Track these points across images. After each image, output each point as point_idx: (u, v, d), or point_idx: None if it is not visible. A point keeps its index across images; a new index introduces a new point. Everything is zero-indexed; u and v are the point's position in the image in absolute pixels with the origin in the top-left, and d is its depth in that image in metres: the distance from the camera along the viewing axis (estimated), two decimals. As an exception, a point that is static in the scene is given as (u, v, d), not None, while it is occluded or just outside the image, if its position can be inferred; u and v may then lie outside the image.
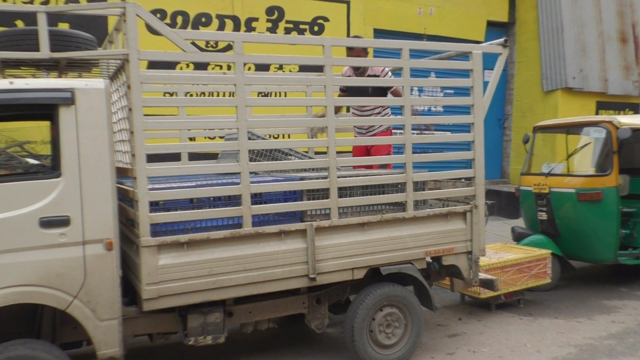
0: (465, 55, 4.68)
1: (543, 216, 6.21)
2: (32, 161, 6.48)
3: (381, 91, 5.21)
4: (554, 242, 6.13)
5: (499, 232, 8.49)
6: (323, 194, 3.86)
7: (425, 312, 4.44)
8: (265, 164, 3.90)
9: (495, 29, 10.90)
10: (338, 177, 3.85)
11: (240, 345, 4.63)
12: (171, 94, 4.84)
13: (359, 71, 5.28)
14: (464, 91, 4.67)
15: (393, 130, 5.82)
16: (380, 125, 5.45)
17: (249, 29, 8.69)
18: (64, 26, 7.40)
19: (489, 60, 4.68)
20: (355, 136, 5.45)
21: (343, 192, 3.94)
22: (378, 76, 5.24)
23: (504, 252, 5.78)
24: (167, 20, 8.18)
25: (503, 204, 9.92)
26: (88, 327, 3.23)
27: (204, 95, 6.85)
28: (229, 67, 6.27)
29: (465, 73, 4.48)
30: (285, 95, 7.96)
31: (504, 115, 11.34)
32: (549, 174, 6.23)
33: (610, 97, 10.46)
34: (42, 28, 3.27)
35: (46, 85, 3.24)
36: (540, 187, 6.20)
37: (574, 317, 5.28)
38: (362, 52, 5.17)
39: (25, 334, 3.43)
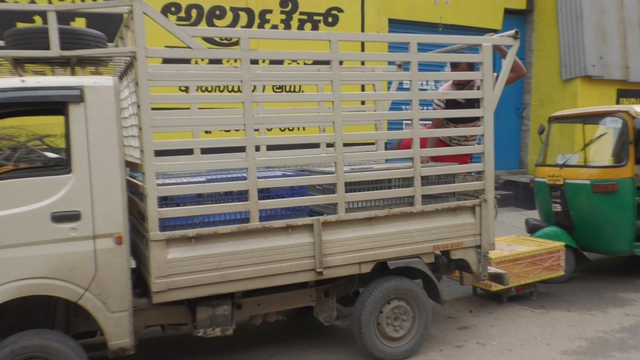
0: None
1: (557, 208, 6.15)
2: (50, 155, 6.67)
3: (475, 103, 4.89)
4: (569, 234, 6.08)
5: (515, 223, 8.44)
6: (331, 188, 3.89)
7: (436, 305, 4.45)
8: (272, 159, 3.94)
9: (513, 16, 10.74)
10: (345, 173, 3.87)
11: (250, 335, 4.70)
12: (186, 89, 4.88)
13: (459, 86, 5.20)
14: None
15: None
16: (472, 137, 5.31)
17: (263, 21, 8.71)
18: (80, 21, 7.54)
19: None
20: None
21: (351, 187, 3.97)
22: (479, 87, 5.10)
23: (517, 245, 5.75)
24: (182, 14, 8.25)
25: (520, 194, 9.83)
26: (99, 319, 3.33)
27: (225, 90, 6.91)
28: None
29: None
30: (300, 88, 8.00)
31: (522, 105, 11.19)
32: (563, 165, 6.15)
33: (632, 85, 10.24)
34: (52, 26, 3.33)
35: (56, 83, 3.31)
36: (554, 179, 6.14)
37: (587, 309, 5.24)
38: (466, 67, 5.00)
39: (40, 324, 3.53)
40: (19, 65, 3.77)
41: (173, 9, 8.18)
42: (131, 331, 3.43)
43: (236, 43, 8.45)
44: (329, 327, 4.42)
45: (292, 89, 8.16)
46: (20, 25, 6.96)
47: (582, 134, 6.73)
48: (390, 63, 5.65)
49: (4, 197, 3.12)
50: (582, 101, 9.78)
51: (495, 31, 10.55)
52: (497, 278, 4.78)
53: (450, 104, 5.06)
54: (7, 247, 3.11)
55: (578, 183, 5.91)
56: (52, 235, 3.19)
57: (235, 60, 3.73)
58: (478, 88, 5.05)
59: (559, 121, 6.82)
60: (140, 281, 3.73)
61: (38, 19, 7.14)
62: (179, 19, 8.26)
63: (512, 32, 4.46)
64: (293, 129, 7.98)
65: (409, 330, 4.22)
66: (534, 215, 6.92)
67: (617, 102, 10.13)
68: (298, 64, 8.58)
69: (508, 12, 10.62)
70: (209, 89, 7.14)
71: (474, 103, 4.62)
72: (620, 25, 10.06)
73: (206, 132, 6.77)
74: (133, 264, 3.73)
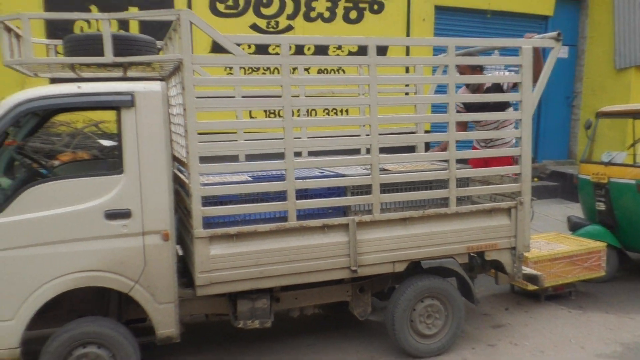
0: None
1: (601, 206, 6.06)
2: (105, 142, 7.01)
3: (499, 105, 5.01)
4: (612, 233, 5.99)
5: (560, 216, 8.30)
6: (366, 190, 4.01)
7: (470, 303, 4.53)
8: (310, 160, 4.08)
9: (565, 2, 10.43)
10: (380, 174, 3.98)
11: (289, 325, 4.92)
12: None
13: (470, 88, 5.30)
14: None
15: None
16: (500, 139, 5.41)
17: (309, 9, 8.79)
18: (133, 10, 7.82)
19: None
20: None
21: (387, 188, 4.07)
22: (501, 87, 5.17)
23: (556, 243, 5.71)
24: (230, 2, 8.44)
25: (567, 186, 9.64)
26: (148, 309, 3.60)
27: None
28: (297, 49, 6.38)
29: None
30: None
31: (572, 93, 10.89)
32: (608, 163, 6.04)
33: (691, 75, 9.80)
34: (106, 34, 3.54)
35: (109, 89, 3.54)
36: (599, 177, 6.04)
37: (626, 312, 5.19)
38: (467, 69, 5.08)
39: (96, 312, 3.83)
40: (76, 67, 4.03)
41: (223, -3, 8.37)
42: (177, 321, 3.69)
43: (282, 31, 8.66)
44: (364, 321, 4.57)
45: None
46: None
47: (632, 131, 6.55)
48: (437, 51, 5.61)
49: (63, 195, 3.40)
50: (636, 91, 9.46)
51: (546, 17, 10.34)
52: (532, 279, 4.81)
53: (471, 107, 5.08)
54: (65, 242, 3.39)
55: (623, 182, 5.80)
56: (105, 231, 3.45)
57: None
58: (503, 89, 5.06)
59: (607, 116, 6.65)
60: (186, 270, 3.99)
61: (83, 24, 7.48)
62: (227, 7, 8.45)
63: (555, 33, 4.39)
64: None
65: (442, 328, 4.33)
66: (580, 209, 6.80)
67: (675, 93, 9.73)
68: (343, 50, 8.65)
69: (561, -3, 10.31)
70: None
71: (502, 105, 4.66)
72: (682, 11, 9.60)
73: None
74: (180, 252, 3.98)
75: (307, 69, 7.95)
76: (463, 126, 5.19)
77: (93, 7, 7.61)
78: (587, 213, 6.42)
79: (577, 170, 7.26)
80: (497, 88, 5.14)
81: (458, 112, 5.01)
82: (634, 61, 9.49)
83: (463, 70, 5.06)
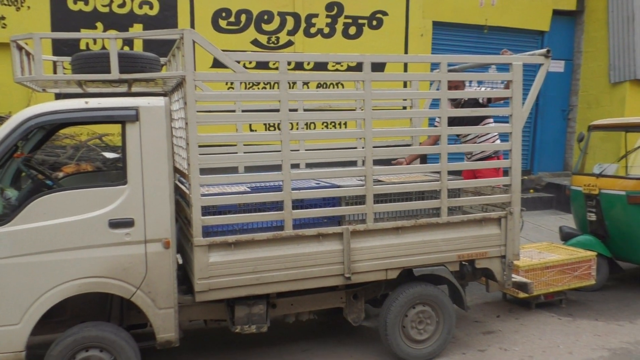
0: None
1: (592, 217, 6.21)
2: (109, 155, 7.21)
3: (474, 119, 5.20)
4: (603, 243, 6.14)
5: (554, 227, 8.41)
6: (360, 200, 4.18)
7: (461, 309, 4.67)
8: (306, 172, 4.26)
9: (562, 17, 10.63)
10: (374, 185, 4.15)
11: (285, 330, 5.06)
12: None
13: (454, 102, 5.51)
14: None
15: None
16: (482, 152, 5.64)
17: (309, 25, 9.00)
18: (138, 27, 8.06)
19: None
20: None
21: (380, 198, 4.24)
22: (479, 101, 5.41)
23: (547, 252, 5.87)
24: (232, 19, 8.65)
25: (562, 197, 9.76)
26: (149, 314, 3.75)
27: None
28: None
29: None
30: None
31: (568, 106, 11.07)
32: (600, 175, 6.20)
33: (685, 89, 9.97)
34: (113, 52, 3.73)
35: (114, 104, 3.73)
36: (590, 188, 6.19)
37: (615, 319, 5.33)
38: (461, 84, 5.32)
39: (98, 316, 3.99)
40: (83, 83, 4.23)
41: (224, 14, 8.59)
42: (176, 325, 3.84)
43: (282, 46, 8.88)
44: (358, 327, 4.71)
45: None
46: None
47: (624, 143, 6.71)
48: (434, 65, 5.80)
49: (69, 205, 3.57)
50: (631, 105, 9.63)
51: (542, 32, 10.55)
52: (522, 287, 4.95)
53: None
54: (70, 249, 3.55)
55: (613, 194, 5.95)
56: (109, 239, 3.62)
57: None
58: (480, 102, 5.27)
59: (599, 130, 6.82)
60: (186, 278, 4.15)
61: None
62: (229, 23, 8.66)
63: (544, 50, 4.58)
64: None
65: (433, 334, 4.47)
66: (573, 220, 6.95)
67: (669, 107, 9.90)
68: (342, 65, 8.85)
69: (557, 13, 10.51)
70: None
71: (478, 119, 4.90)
72: (674, 27, 9.79)
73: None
74: (180, 261, 4.13)
75: (306, 84, 8.16)
76: (436, 139, 5.40)
77: (99, 24, 7.83)
78: (579, 223, 6.57)
79: (570, 181, 7.42)
80: (474, 103, 5.35)
81: (435, 126, 5.20)
82: (628, 75, 9.68)
83: (458, 84, 5.24)
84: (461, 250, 4.43)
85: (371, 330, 4.96)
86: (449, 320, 4.48)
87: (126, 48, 7.72)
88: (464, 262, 4.55)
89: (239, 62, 3.90)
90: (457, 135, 5.62)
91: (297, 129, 5.37)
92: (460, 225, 4.43)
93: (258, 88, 8.40)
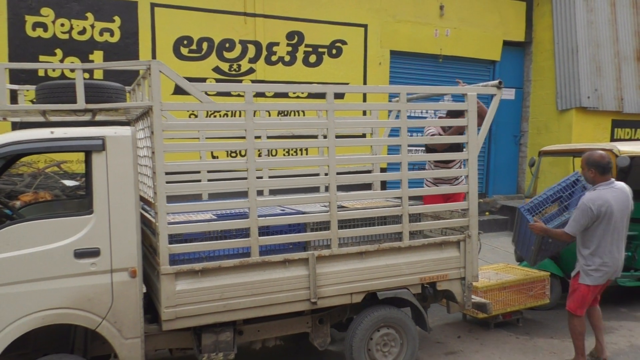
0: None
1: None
2: (68, 182, 7.10)
3: (457, 147, 5.42)
4: (555, 263, 6.41)
5: (509, 248, 8.70)
6: (325, 225, 4.28)
7: (424, 331, 4.79)
8: (272, 199, 4.34)
9: (511, 48, 11.17)
10: (338, 211, 4.26)
11: (251, 358, 5.06)
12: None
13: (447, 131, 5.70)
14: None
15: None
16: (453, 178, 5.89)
17: (270, 53, 9.18)
18: (99, 54, 8.04)
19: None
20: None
21: (344, 223, 4.35)
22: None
23: (504, 273, 6.09)
24: (194, 47, 8.74)
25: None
26: (115, 345, 3.71)
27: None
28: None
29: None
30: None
31: (520, 132, 11.57)
32: (550, 198, 6.48)
33: (626, 116, 10.61)
34: (79, 82, 3.76)
35: (81, 134, 3.73)
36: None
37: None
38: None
39: (61, 348, 3.93)
40: (47, 112, 4.21)
41: (185, 42, 8.67)
42: (143, 356, 3.81)
43: (244, 74, 9.00)
44: (324, 351, 4.76)
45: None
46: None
47: (572, 167, 7.08)
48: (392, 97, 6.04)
49: (34, 235, 3.53)
50: (577, 131, 10.16)
51: (493, 62, 11.04)
52: (481, 307, 5.12)
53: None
54: (34, 281, 3.50)
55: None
56: (74, 269, 3.59)
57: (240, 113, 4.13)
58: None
59: (549, 155, 7.17)
60: (150, 307, 4.13)
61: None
62: (191, 51, 8.74)
63: (496, 82, 4.84)
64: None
65: (397, 356, 4.57)
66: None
67: (612, 133, 10.50)
68: (303, 93, 9.03)
69: (507, 43, 11.05)
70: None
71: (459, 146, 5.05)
72: (615, 58, 10.46)
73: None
74: (144, 289, 4.12)
75: (267, 111, 8.28)
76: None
77: (58, 51, 7.79)
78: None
79: (523, 204, 7.73)
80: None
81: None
82: (573, 103, 10.22)
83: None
84: (423, 273, 4.57)
85: (337, 354, 5.02)
86: (413, 342, 4.59)
87: (86, 75, 7.69)
88: (425, 285, 4.69)
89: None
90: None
91: (261, 155, 5.46)
92: (421, 248, 4.58)
93: (219, 116, 8.47)
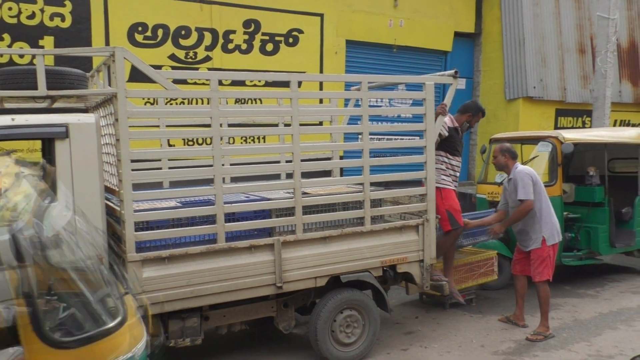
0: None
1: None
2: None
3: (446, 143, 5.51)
4: (505, 245, 6.74)
5: (461, 233, 9.08)
6: (290, 211, 4.38)
7: (384, 312, 4.97)
8: (238, 186, 4.40)
9: (462, 39, 11.48)
10: (302, 197, 4.37)
11: (217, 343, 5.13)
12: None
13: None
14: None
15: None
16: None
17: (227, 41, 9.12)
18: (49, 39, 7.81)
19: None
20: None
21: (308, 209, 4.46)
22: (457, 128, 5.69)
23: (456, 254, 6.36)
24: (148, 33, 8.57)
25: (467, 205, 10.50)
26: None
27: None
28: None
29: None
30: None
31: (470, 121, 11.93)
32: (501, 184, 6.80)
33: (569, 105, 11.12)
34: (40, 68, 3.70)
35: (43, 121, 3.68)
36: (493, 195, 6.80)
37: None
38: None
39: None
40: (3, 99, 4.12)
41: (140, 28, 8.49)
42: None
43: (200, 61, 8.93)
44: (288, 335, 4.89)
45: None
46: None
47: (520, 154, 7.41)
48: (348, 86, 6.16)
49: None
50: (524, 119, 10.59)
51: (445, 52, 11.34)
52: (437, 288, 5.34)
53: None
54: (-1, 270, 3.45)
55: (513, 200, 6.56)
56: (39, 258, 3.55)
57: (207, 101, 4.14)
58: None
59: (499, 142, 7.47)
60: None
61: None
62: (146, 38, 8.57)
63: (452, 71, 5.04)
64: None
65: (360, 336, 4.74)
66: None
67: (556, 121, 10.99)
68: (260, 82, 9.03)
69: (458, 34, 11.33)
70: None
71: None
72: (559, 50, 10.93)
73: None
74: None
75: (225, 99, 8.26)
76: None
77: (6, 36, 7.50)
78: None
79: (475, 190, 8.05)
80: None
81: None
82: (520, 93, 10.64)
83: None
84: (384, 256, 4.75)
85: (301, 337, 5.15)
86: (374, 323, 4.77)
87: (35, 62, 7.46)
88: (386, 268, 4.87)
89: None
90: None
91: (223, 143, 5.49)
92: (382, 233, 4.75)
93: (177, 103, 8.38)
